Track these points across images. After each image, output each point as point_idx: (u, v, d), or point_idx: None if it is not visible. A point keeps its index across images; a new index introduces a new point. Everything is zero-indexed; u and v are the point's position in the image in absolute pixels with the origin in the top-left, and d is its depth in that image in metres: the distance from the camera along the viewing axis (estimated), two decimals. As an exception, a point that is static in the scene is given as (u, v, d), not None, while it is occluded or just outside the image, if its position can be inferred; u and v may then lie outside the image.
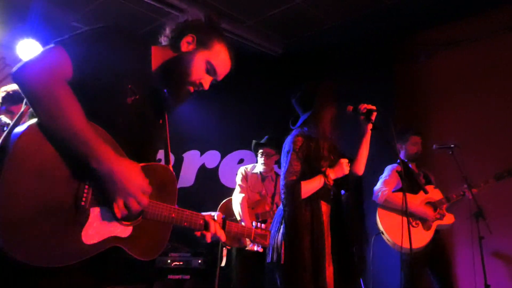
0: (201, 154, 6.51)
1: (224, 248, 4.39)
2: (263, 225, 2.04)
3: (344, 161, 2.70)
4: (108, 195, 1.34)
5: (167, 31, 1.73)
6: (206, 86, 1.72)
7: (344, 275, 2.60)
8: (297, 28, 5.51)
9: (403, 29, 5.36)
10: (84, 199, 1.32)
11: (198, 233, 1.75)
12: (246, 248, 4.19)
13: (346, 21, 5.25)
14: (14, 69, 1.31)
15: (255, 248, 2.11)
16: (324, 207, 2.66)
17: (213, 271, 4.47)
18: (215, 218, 1.79)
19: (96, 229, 1.35)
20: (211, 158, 6.42)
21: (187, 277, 4.96)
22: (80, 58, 1.40)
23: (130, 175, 1.37)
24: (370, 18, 5.10)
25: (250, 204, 4.35)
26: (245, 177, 4.55)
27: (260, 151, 4.50)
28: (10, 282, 1.27)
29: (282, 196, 2.58)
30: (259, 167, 4.55)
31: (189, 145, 6.54)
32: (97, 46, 1.45)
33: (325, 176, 2.62)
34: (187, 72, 1.65)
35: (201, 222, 1.73)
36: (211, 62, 1.69)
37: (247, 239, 2.13)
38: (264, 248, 2.11)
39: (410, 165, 4.03)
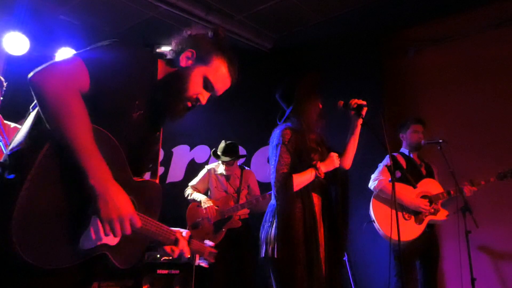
0: (191, 149, 6.49)
1: None
2: (212, 244, 2.20)
3: (334, 155, 2.71)
4: (98, 213, 1.36)
5: (173, 44, 1.75)
6: (204, 101, 1.73)
7: (332, 262, 2.62)
8: (287, 23, 5.51)
9: (392, 25, 5.39)
10: (89, 206, 1.37)
11: (167, 248, 1.87)
12: (194, 264, 4.40)
13: (335, 17, 5.25)
14: (32, 73, 1.33)
15: (202, 264, 2.27)
16: (316, 199, 2.68)
17: (202, 266, 4.50)
18: (184, 234, 1.91)
19: (92, 236, 1.43)
20: (201, 153, 6.40)
21: (176, 272, 4.95)
22: (98, 72, 1.43)
23: (124, 200, 1.39)
24: (359, 14, 5.12)
25: (215, 202, 4.48)
26: (207, 178, 4.73)
27: (219, 162, 4.66)
28: (8, 280, 1.32)
29: (274, 189, 2.58)
30: (222, 168, 4.66)
31: (179, 139, 6.52)
32: (113, 61, 1.48)
33: (316, 169, 2.62)
34: (184, 88, 1.65)
35: (173, 238, 1.83)
36: (209, 77, 1.69)
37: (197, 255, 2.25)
38: (210, 264, 2.30)
39: (411, 155, 4.01)
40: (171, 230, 1.83)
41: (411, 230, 3.69)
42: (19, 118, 4.57)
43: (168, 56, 1.75)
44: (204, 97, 1.72)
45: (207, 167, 4.86)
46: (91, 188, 1.33)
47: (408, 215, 3.74)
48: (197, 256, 4.22)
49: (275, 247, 2.52)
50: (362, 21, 5.26)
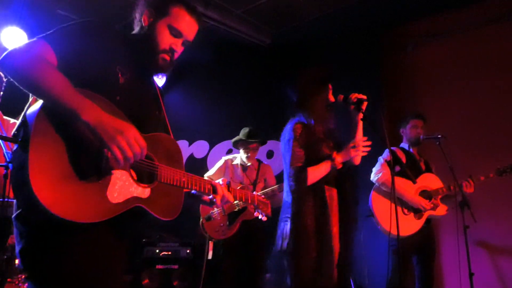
0: (190, 144, 6.48)
1: (210, 241, 4.42)
2: (262, 195, 2.10)
3: (351, 145, 2.70)
4: (102, 142, 1.38)
5: (135, 16, 1.80)
6: (178, 48, 1.76)
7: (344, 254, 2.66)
8: (285, 18, 5.49)
9: (391, 20, 5.38)
10: (105, 161, 1.43)
11: (207, 198, 1.87)
12: (207, 257, 4.34)
13: (334, 12, 5.24)
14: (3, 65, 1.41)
15: (260, 216, 2.17)
16: (330, 192, 2.70)
17: (201, 261, 4.48)
18: (220, 182, 1.90)
19: (119, 190, 1.47)
20: (200, 148, 6.40)
21: (175, 266, 4.96)
22: (63, 49, 1.50)
23: (121, 121, 1.43)
24: (358, 9, 5.11)
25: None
26: (224, 168, 4.62)
27: (247, 146, 4.52)
28: (52, 237, 1.39)
29: (288, 184, 2.64)
30: (239, 159, 4.60)
31: (177, 135, 6.44)
32: (80, 38, 1.55)
33: (332, 160, 2.63)
34: (155, 43, 1.71)
35: (209, 186, 1.83)
36: (173, 25, 1.73)
37: (252, 205, 2.20)
38: (268, 217, 2.22)
39: (411, 149, 4.01)
40: (205, 179, 1.83)
41: (410, 225, 3.70)
42: (18, 113, 4.56)
43: (135, 27, 1.79)
44: (177, 45, 1.75)
45: (224, 157, 4.74)
46: (85, 124, 1.36)
47: (407, 210, 3.74)
48: (251, 208, 4.19)
49: (289, 240, 2.59)
50: (361, 16, 5.25)
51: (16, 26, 4.55)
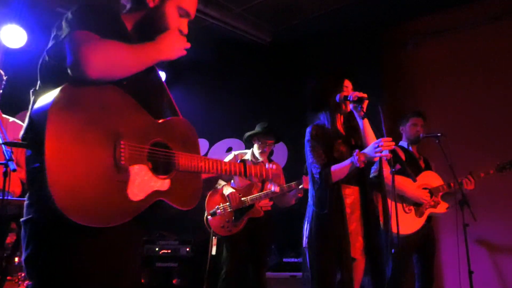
0: (189, 142, 6.47)
1: (214, 237, 4.38)
2: (274, 166, 2.08)
3: (374, 144, 2.65)
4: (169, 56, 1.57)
5: None
6: (186, 30, 1.70)
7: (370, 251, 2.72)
8: (286, 16, 5.49)
9: (391, 18, 5.38)
10: (122, 157, 1.37)
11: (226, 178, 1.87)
12: (211, 252, 4.29)
13: (334, 10, 5.24)
14: (72, 71, 1.34)
15: (273, 188, 2.18)
16: (348, 190, 2.73)
17: (200, 259, 4.46)
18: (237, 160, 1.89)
19: (139, 186, 1.42)
20: (200, 146, 6.39)
21: (175, 265, 4.97)
22: (94, 28, 1.43)
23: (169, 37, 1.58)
24: (358, 6, 5.10)
25: (239, 191, 4.28)
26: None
27: (265, 141, 4.35)
28: (65, 241, 1.33)
29: (313, 182, 2.74)
30: (250, 155, 4.50)
31: (177, 133, 6.51)
32: (94, 20, 1.47)
33: (354, 158, 2.61)
34: (164, 26, 1.62)
35: (226, 167, 1.80)
36: (182, 6, 1.66)
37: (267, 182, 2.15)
38: (281, 188, 2.27)
39: (410, 148, 4.00)
40: (221, 161, 1.79)
41: (411, 223, 3.69)
42: (17, 111, 4.56)
43: (128, 6, 1.69)
44: (184, 26, 1.69)
45: (234, 152, 4.58)
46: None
47: (408, 208, 3.73)
48: (266, 184, 4.15)
49: (308, 238, 2.73)
50: (361, 14, 5.25)
51: (16, 24, 4.54)
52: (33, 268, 1.36)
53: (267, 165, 2.04)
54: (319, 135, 2.77)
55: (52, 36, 1.48)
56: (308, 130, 2.83)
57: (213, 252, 4.33)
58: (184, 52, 1.61)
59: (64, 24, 1.44)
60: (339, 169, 2.66)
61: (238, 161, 1.90)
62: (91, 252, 1.36)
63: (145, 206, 1.43)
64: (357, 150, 2.63)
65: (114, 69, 1.39)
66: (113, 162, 1.35)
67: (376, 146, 2.56)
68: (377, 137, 2.63)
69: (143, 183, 1.43)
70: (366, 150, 2.64)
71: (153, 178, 1.47)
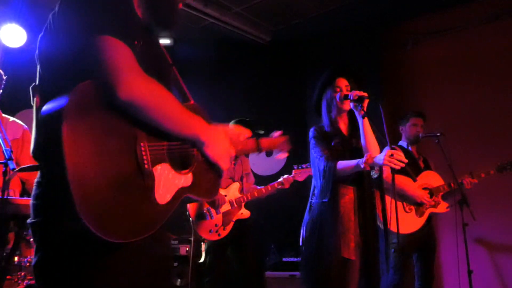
0: (189, 142, 6.47)
1: (202, 243, 4.27)
2: (277, 133, 2.11)
3: (389, 153, 2.59)
4: (214, 156, 1.50)
5: None
6: None
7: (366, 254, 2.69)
8: (285, 16, 5.49)
9: (391, 18, 5.38)
10: (145, 161, 1.27)
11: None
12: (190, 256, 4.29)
13: (334, 9, 5.24)
14: (123, 93, 1.20)
15: (281, 156, 2.20)
16: (343, 189, 2.72)
17: (198, 259, 4.41)
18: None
19: (164, 187, 1.33)
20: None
21: (175, 264, 4.96)
22: (123, 32, 1.28)
23: (224, 140, 1.54)
24: (358, 6, 5.10)
25: (223, 191, 4.18)
26: None
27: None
28: (93, 257, 1.21)
29: (318, 177, 2.75)
30: None
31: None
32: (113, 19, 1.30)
33: (364, 159, 2.59)
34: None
35: (240, 148, 1.79)
36: None
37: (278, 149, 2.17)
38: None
39: (410, 148, 4.00)
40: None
41: (412, 223, 3.70)
42: (17, 111, 4.55)
43: None
44: None
45: None
46: (201, 144, 1.46)
47: (409, 208, 3.73)
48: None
49: (303, 235, 2.81)
50: (360, 14, 5.25)
51: (16, 23, 4.54)
52: (49, 277, 1.24)
53: (274, 134, 2.06)
54: (321, 133, 2.81)
55: (50, 25, 1.36)
56: (311, 130, 2.87)
57: (202, 260, 4.22)
58: (226, 167, 1.58)
59: (71, 15, 1.30)
60: (344, 167, 2.66)
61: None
62: (122, 268, 1.25)
63: (174, 208, 1.35)
64: (367, 154, 2.60)
65: (149, 113, 1.27)
66: (136, 168, 1.24)
67: (390, 155, 2.52)
68: (378, 137, 2.62)
69: (167, 182, 1.35)
70: (377, 157, 2.59)
71: (176, 175, 1.39)
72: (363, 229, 2.69)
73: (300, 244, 2.90)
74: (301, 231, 2.91)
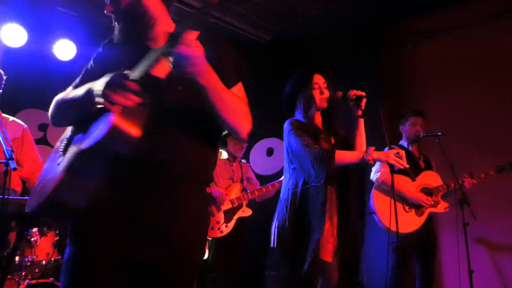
0: (189, 141, 6.47)
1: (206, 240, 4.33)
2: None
3: (393, 152, 2.58)
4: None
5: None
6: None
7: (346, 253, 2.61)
8: (285, 15, 5.49)
9: (391, 17, 5.37)
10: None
11: None
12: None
13: (334, 9, 5.24)
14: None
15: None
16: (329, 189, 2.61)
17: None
18: None
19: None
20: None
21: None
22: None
23: None
24: (358, 5, 5.10)
25: (224, 191, 4.26)
26: None
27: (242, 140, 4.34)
28: None
29: (311, 167, 2.53)
30: (226, 154, 4.52)
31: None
32: None
33: (366, 152, 2.52)
34: (147, 18, 1.57)
35: None
36: None
37: None
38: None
39: (410, 147, 3.99)
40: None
41: (411, 222, 3.70)
42: (17, 111, 4.56)
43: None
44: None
45: None
46: None
47: (408, 208, 3.74)
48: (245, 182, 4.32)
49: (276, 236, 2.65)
50: (361, 13, 5.24)
51: (16, 23, 4.54)
52: None
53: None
54: (301, 126, 2.67)
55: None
56: (288, 122, 2.72)
57: (205, 256, 4.27)
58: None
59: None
60: (345, 154, 2.56)
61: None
62: None
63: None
64: (369, 148, 2.54)
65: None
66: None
67: (396, 153, 2.51)
68: (377, 137, 2.62)
69: None
70: (381, 153, 2.55)
71: None
72: (343, 230, 2.61)
73: (272, 245, 2.74)
74: (273, 228, 2.74)
